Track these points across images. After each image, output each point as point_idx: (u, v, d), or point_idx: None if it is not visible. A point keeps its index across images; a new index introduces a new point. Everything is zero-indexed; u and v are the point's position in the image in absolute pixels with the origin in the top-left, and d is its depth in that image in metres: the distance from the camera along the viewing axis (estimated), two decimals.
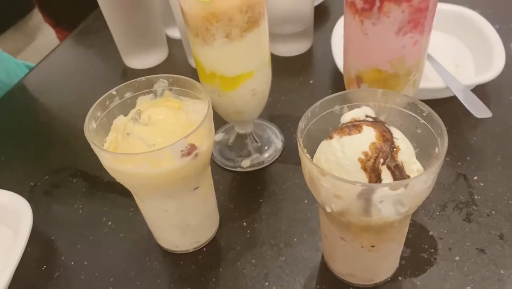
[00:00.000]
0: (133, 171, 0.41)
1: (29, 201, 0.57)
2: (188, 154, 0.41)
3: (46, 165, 0.66)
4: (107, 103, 0.46)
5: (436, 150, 0.38)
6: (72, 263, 0.53)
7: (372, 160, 0.36)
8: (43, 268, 0.53)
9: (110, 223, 0.57)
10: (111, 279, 0.51)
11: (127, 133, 0.42)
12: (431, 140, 0.39)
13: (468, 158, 0.58)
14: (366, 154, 0.36)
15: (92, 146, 0.41)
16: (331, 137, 0.38)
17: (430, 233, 0.51)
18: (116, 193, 0.60)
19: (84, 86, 0.81)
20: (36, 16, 1.45)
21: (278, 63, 0.78)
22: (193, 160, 0.42)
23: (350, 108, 0.42)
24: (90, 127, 0.44)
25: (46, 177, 0.64)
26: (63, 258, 0.53)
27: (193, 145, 0.41)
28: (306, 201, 0.56)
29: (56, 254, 0.54)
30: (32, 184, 0.64)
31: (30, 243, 0.53)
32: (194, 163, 0.42)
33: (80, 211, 0.59)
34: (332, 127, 0.41)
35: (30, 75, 0.86)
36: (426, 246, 0.49)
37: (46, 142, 0.71)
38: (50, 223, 0.58)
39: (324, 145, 0.39)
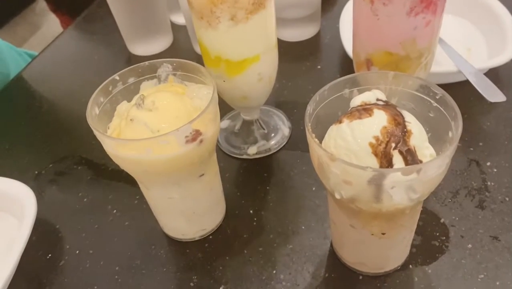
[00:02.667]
0: (137, 158, 0.40)
1: (33, 190, 0.57)
2: (193, 139, 0.40)
3: (50, 153, 0.66)
4: (110, 88, 0.45)
5: (450, 134, 0.37)
6: (77, 251, 0.52)
7: (384, 145, 0.34)
8: (48, 257, 0.52)
9: (115, 211, 0.56)
10: (116, 268, 0.50)
11: (130, 119, 0.41)
12: (444, 124, 0.38)
13: (480, 144, 0.56)
14: (377, 138, 0.35)
15: (95, 132, 0.40)
16: (340, 122, 0.37)
17: (442, 221, 0.49)
18: (121, 181, 0.59)
19: (88, 73, 0.80)
20: (41, 5, 1.44)
21: (285, 49, 0.76)
22: (198, 146, 0.41)
23: (360, 91, 0.40)
24: (92, 113, 0.42)
25: (51, 165, 0.64)
26: (68, 247, 0.53)
27: (198, 131, 0.40)
28: (314, 188, 0.54)
29: (61, 242, 0.54)
30: (36, 172, 0.63)
31: (35, 231, 0.52)
32: (199, 149, 0.41)
33: (85, 199, 0.58)
34: (342, 111, 0.39)
35: (34, 63, 0.85)
36: (437, 234, 0.48)
37: (50, 131, 0.70)
38: (55, 211, 0.57)
39: (333, 130, 0.37)
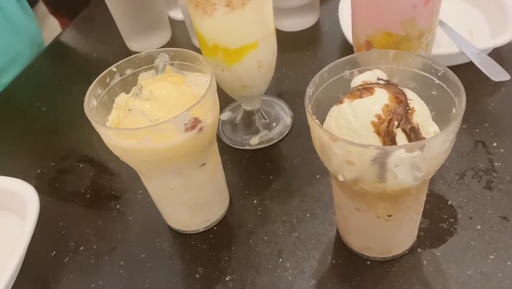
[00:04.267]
0: (136, 147, 0.39)
1: (36, 188, 0.56)
2: (192, 127, 0.40)
3: (52, 152, 0.65)
4: (108, 80, 0.45)
5: (454, 110, 0.36)
6: (82, 248, 0.52)
7: (386, 123, 0.34)
8: (52, 254, 0.52)
9: (118, 206, 0.55)
10: (121, 262, 0.50)
11: (128, 109, 0.41)
12: (447, 102, 0.37)
13: (486, 124, 0.55)
14: (379, 117, 0.34)
15: (93, 123, 0.40)
16: (341, 102, 0.36)
17: (449, 203, 0.48)
18: (124, 176, 0.59)
19: (88, 72, 0.78)
20: (40, 8, 1.44)
21: (285, 38, 0.75)
22: (198, 134, 0.40)
23: (361, 72, 0.39)
24: (90, 105, 0.42)
25: (52, 163, 0.63)
26: (72, 243, 0.52)
27: (197, 118, 0.40)
28: (318, 176, 0.54)
29: (65, 239, 0.53)
30: (38, 170, 0.63)
31: (38, 229, 0.52)
32: (199, 137, 0.41)
33: (88, 196, 0.58)
34: (342, 94, 0.38)
35: (34, 62, 0.85)
36: (445, 216, 0.47)
37: (51, 129, 0.70)
38: (58, 208, 0.57)
39: (334, 110, 0.37)
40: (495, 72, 0.54)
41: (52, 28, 1.45)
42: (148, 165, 0.42)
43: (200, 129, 0.40)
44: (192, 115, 0.39)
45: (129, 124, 0.41)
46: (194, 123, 0.40)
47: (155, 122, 0.39)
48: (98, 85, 0.44)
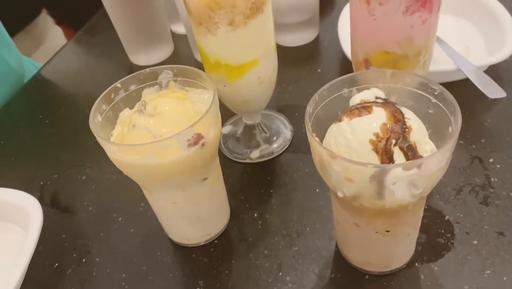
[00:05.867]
0: (140, 162, 0.40)
1: (39, 200, 0.57)
2: (195, 143, 0.40)
3: (55, 164, 0.66)
4: (112, 96, 0.46)
5: (450, 129, 0.37)
6: (84, 260, 0.52)
7: (384, 141, 0.35)
8: (55, 266, 0.52)
9: (120, 218, 0.56)
10: (123, 275, 0.50)
11: (132, 125, 0.42)
12: (444, 120, 0.38)
13: (482, 140, 0.56)
14: (377, 135, 0.35)
15: (98, 139, 0.41)
16: (340, 120, 0.37)
17: (446, 218, 0.49)
18: (126, 189, 0.59)
19: (91, 85, 0.81)
20: (44, 20, 1.45)
21: (285, 53, 0.77)
22: (201, 149, 0.41)
23: (359, 90, 0.41)
24: (95, 120, 0.43)
25: (55, 176, 0.64)
26: (74, 255, 0.53)
27: (199, 134, 0.41)
28: (317, 190, 0.55)
29: (67, 251, 0.54)
30: (42, 183, 0.63)
31: (41, 241, 0.53)
32: (201, 152, 0.42)
33: (90, 208, 0.58)
34: (341, 111, 0.39)
35: (37, 76, 0.86)
36: (442, 231, 0.48)
37: (54, 142, 0.71)
38: (60, 221, 0.58)
39: (333, 128, 0.37)
40: (491, 89, 0.55)
41: (56, 39, 1.47)
42: (150, 179, 0.43)
43: (203, 144, 0.41)
44: (195, 131, 0.40)
45: (133, 139, 0.41)
46: (197, 139, 0.41)
47: (158, 138, 0.40)
48: (103, 101, 0.45)
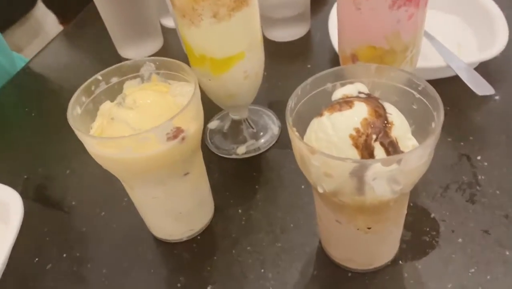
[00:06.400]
0: (118, 156, 0.39)
1: (22, 194, 0.57)
2: (175, 137, 0.40)
3: (39, 158, 0.65)
4: (93, 88, 0.45)
5: (433, 124, 0.36)
6: (64, 255, 0.52)
7: (364, 136, 0.34)
8: (35, 261, 0.52)
9: (103, 213, 0.55)
10: (104, 271, 0.49)
11: (111, 118, 0.41)
12: (427, 116, 0.37)
13: (471, 138, 0.56)
14: (357, 130, 0.34)
15: (76, 132, 0.40)
16: (321, 115, 0.36)
17: (432, 216, 0.49)
18: (110, 184, 0.58)
19: (78, 78, 0.78)
20: (38, 12, 1.44)
21: (275, 48, 0.76)
22: (180, 144, 0.41)
23: (343, 85, 0.40)
24: (74, 113, 0.42)
25: (39, 169, 0.63)
26: (55, 250, 0.52)
27: (179, 128, 0.40)
28: (303, 187, 0.54)
29: (48, 246, 0.53)
30: (25, 176, 0.63)
31: (22, 235, 0.52)
32: (181, 147, 0.41)
33: (73, 203, 0.58)
34: (325, 106, 0.39)
35: (24, 69, 0.85)
36: (427, 229, 0.47)
37: (39, 136, 0.70)
38: (42, 215, 0.57)
39: (314, 123, 0.37)
40: (479, 86, 0.55)
41: (51, 31, 1.45)
42: (129, 174, 0.43)
43: (183, 139, 0.41)
44: (175, 125, 0.39)
45: (112, 133, 0.41)
46: (176, 133, 0.40)
47: (137, 132, 0.39)
48: (82, 93, 0.44)
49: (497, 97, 0.60)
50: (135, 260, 0.50)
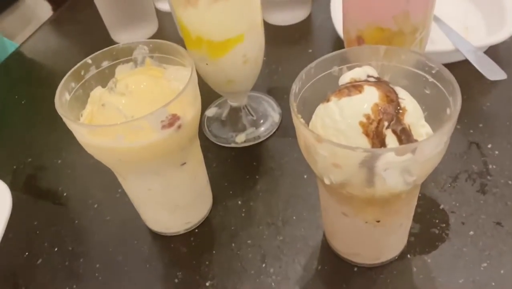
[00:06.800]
0: (109, 145, 0.37)
1: (11, 185, 0.54)
2: (170, 125, 0.37)
3: (29, 147, 0.63)
4: (82, 73, 0.42)
5: (448, 110, 0.33)
6: (56, 249, 0.49)
7: (375, 124, 0.31)
8: (25, 255, 0.49)
9: (96, 205, 0.53)
10: (97, 265, 0.47)
11: (102, 104, 0.38)
12: (441, 101, 0.34)
13: (480, 125, 0.53)
14: (368, 117, 0.32)
15: (64, 119, 0.37)
16: (328, 100, 0.34)
17: (441, 207, 0.46)
18: (103, 174, 0.56)
19: (70, 64, 0.76)
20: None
21: (275, 32, 0.73)
22: (177, 132, 0.38)
23: (350, 68, 0.37)
24: (62, 99, 0.39)
25: (30, 159, 0.61)
26: (46, 244, 0.50)
27: (175, 115, 0.37)
28: (305, 176, 0.51)
29: (38, 239, 0.51)
30: (15, 166, 0.60)
31: (11, 228, 0.50)
32: (177, 135, 0.38)
33: (65, 194, 0.55)
34: (330, 91, 0.36)
35: (14, 54, 0.82)
36: (437, 221, 0.45)
37: (29, 124, 0.67)
38: (33, 207, 0.54)
39: (320, 109, 0.34)
40: (491, 71, 0.52)
41: (43, 19, 1.41)
42: (122, 164, 0.40)
43: (179, 126, 0.38)
44: (170, 112, 0.37)
45: (102, 120, 0.38)
46: (172, 120, 0.37)
47: (130, 119, 0.37)
48: (71, 78, 0.41)
49: (507, 82, 0.57)
50: (130, 254, 0.48)
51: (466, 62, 0.55)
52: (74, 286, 0.46)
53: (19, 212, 0.52)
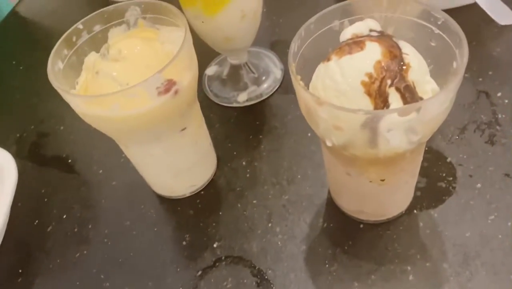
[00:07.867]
0: (106, 115, 0.36)
1: (16, 154, 0.54)
2: (166, 90, 0.36)
3: (31, 114, 0.62)
4: (74, 39, 0.41)
5: (454, 64, 0.32)
6: (65, 216, 0.50)
7: (378, 82, 0.30)
8: (35, 223, 0.50)
9: (101, 171, 0.53)
10: (106, 230, 0.48)
11: (96, 72, 0.37)
12: (448, 54, 0.33)
13: (490, 73, 0.51)
14: (370, 76, 0.30)
15: (57, 89, 0.36)
16: (328, 59, 0.32)
17: (448, 160, 0.45)
18: (106, 139, 0.55)
19: (67, 26, 0.74)
20: None
21: None
22: (174, 98, 0.37)
23: (352, 22, 0.35)
24: (55, 68, 0.38)
25: (32, 126, 0.60)
26: (55, 212, 0.50)
27: (171, 80, 0.36)
28: (309, 134, 0.51)
29: (47, 207, 0.51)
30: (18, 135, 0.60)
31: (20, 198, 0.50)
32: (175, 101, 0.37)
33: (70, 160, 0.55)
34: (332, 48, 0.34)
35: (9, 17, 0.80)
36: (444, 174, 0.44)
37: (29, 90, 0.66)
38: (39, 175, 0.55)
39: (321, 69, 0.33)
40: (502, 15, 0.50)
41: None
42: (122, 132, 0.39)
43: (176, 92, 0.37)
44: (165, 77, 0.36)
45: (97, 89, 0.37)
46: (168, 86, 0.36)
47: (125, 87, 0.36)
48: (63, 45, 0.40)
49: None
50: (138, 218, 0.48)
51: (475, 5, 0.52)
52: (85, 252, 0.47)
53: (26, 181, 0.52)
